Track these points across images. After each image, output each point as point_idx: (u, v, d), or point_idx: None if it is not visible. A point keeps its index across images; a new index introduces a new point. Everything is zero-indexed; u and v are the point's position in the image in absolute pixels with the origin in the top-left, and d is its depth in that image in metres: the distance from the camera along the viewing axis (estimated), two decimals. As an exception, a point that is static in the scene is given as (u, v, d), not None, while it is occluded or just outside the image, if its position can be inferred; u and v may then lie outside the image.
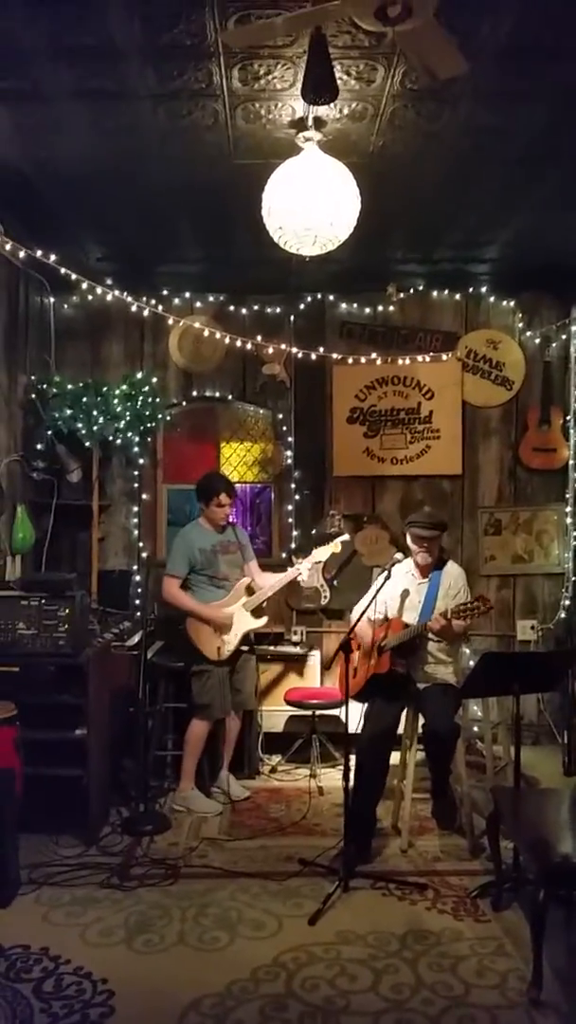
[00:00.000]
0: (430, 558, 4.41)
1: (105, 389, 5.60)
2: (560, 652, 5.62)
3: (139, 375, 5.82)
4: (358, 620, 4.29)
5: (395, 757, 4.33)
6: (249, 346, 5.64)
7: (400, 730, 4.34)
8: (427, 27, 2.63)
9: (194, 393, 6.15)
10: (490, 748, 5.05)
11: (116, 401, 5.57)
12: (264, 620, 5.05)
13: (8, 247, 4.44)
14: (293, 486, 6.09)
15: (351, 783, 3.89)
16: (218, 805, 4.74)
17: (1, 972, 3.04)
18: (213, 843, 4.28)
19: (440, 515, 4.63)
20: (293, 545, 5.98)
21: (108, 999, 2.89)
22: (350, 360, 5.86)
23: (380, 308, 6.11)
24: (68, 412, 5.49)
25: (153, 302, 5.44)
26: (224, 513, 4.92)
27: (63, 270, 4.52)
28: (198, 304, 6.07)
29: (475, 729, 5.40)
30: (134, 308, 5.20)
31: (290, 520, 6.09)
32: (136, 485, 6.06)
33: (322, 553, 5.07)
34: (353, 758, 3.98)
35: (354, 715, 4.07)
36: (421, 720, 4.30)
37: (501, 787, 4.40)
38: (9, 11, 2.92)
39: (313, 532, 5.99)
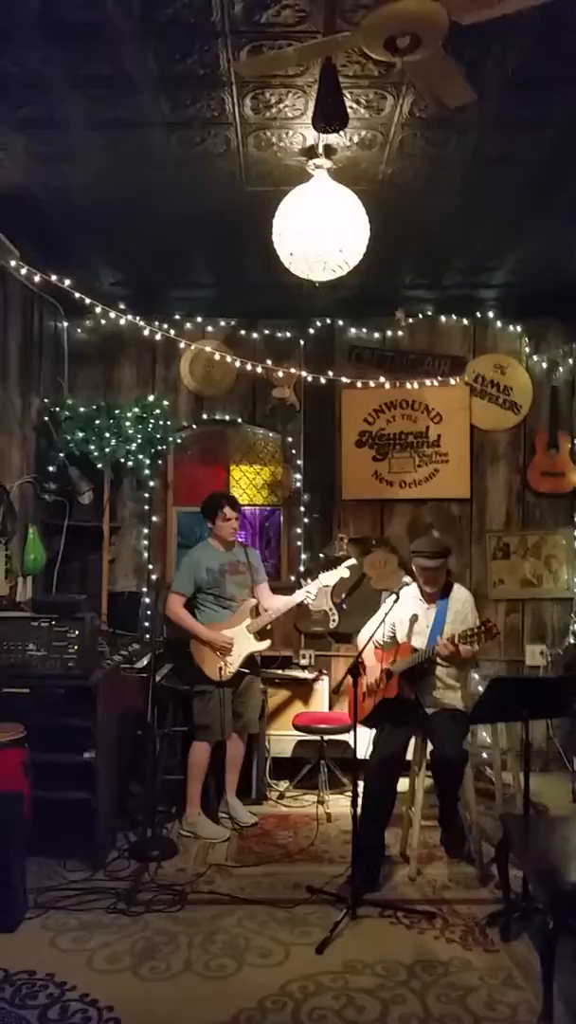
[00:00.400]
0: (436, 587, 4.39)
1: (117, 412, 5.64)
2: (569, 677, 5.57)
3: (151, 398, 5.86)
4: (367, 644, 4.27)
5: (403, 783, 4.30)
6: (259, 370, 5.68)
7: (408, 756, 4.32)
8: (435, 57, 2.66)
9: (205, 416, 6.18)
10: (499, 775, 5.01)
11: (128, 424, 5.61)
12: (267, 643, 5.04)
13: (23, 272, 4.51)
14: (302, 509, 6.10)
15: (359, 810, 3.87)
16: (225, 831, 4.70)
17: (6, 998, 3.02)
18: (220, 869, 4.25)
19: (444, 541, 4.61)
20: (302, 568, 5.98)
21: (114, 1027, 2.86)
22: (359, 384, 5.89)
23: (389, 333, 6.15)
24: (80, 435, 5.53)
25: (165, 326, 5.50)
26: (232, 527, 4.93)
27: (77, 294, 4.58)
28: (209, 328, 6.12)
29: (484, 756, 5.36)
30: (146, 332, 5.26)
31: (299, 543, 6.09)
32: (147, 507, 6.08)
33: (329, 578, 5.06)
34: (361, 784, 3.95)
35: (363, 740, 4.05)
36: (430, 746, 4.27)
37: (510, 814, 4.36)
38: (26, 41, 2.98)
39: (321, 555, 5.99)
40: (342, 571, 5.09)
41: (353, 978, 3.20)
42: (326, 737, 5.26)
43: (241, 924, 3.63)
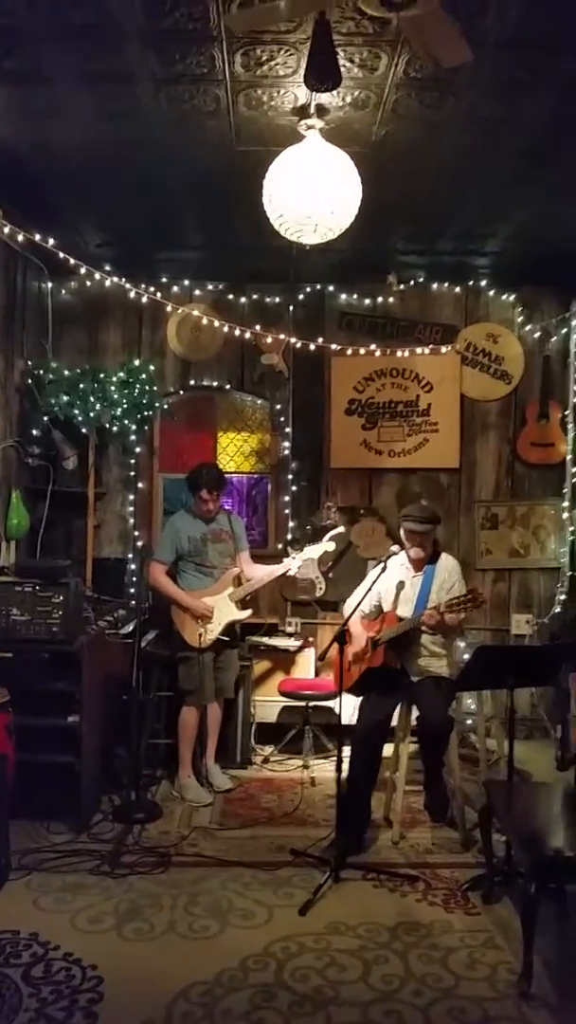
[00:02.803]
0: (423, 553, 4.39)
1: (102, 376, 5.58)
2: (554, 646, 5.60)
3: (137, 362, 5.80)
4: (353, 612, 4.28)
5: (388, 749, 4.33)
6: (248, 335, 5.62)
7: (394, 723, 4.34)
8: (432, 14, 2.61)
9: (192, 382, 6.13)
10: (483, 741, 5.05)
11: (113, 388, 5.56)
12: (248, 612, 5.03)
13: (6, 230, 4.42)
14: (290, 477, 6.08)
15: (344, 774, 3.89)
16: (208, 796, 4.73)
17: (-10, 957, 3.04)
18: (205, 832, 4.27)
19: (433, 508, 4.61)
20: (289, 536, 5.97)
21: (97, 985, 2.89)
22: (349, 351, 5.84)
23: (380, 299, 6.09)
24: (65, 398, 5.47)
25: (152, 289, 5.43)
26: (206, 508, 4.89)
27: (61, 255, 4.50)
28: (197, 292, 6.04)
29: (468, 722, 5.40)
30: (132, 295, 5.19)
31: (286, 511, 6.08)
32: (132, 473, 6.04)
33: (314, 551, 5.06)
34: (347, 749, 3.97)
35: (348, 707, 4.07)
36: (415, 713, 4.29)
37: (494, 780, 4.40)
38: (10, -10, 2.90)
39: (308, 527, 5.98)
40: (327, 544, 5.09)
41: (336, 939, 3.23)
42: (311, 703, 5.28)
43: (225, 886, 3.66)
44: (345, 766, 3.95)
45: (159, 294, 5.44)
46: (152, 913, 3.40)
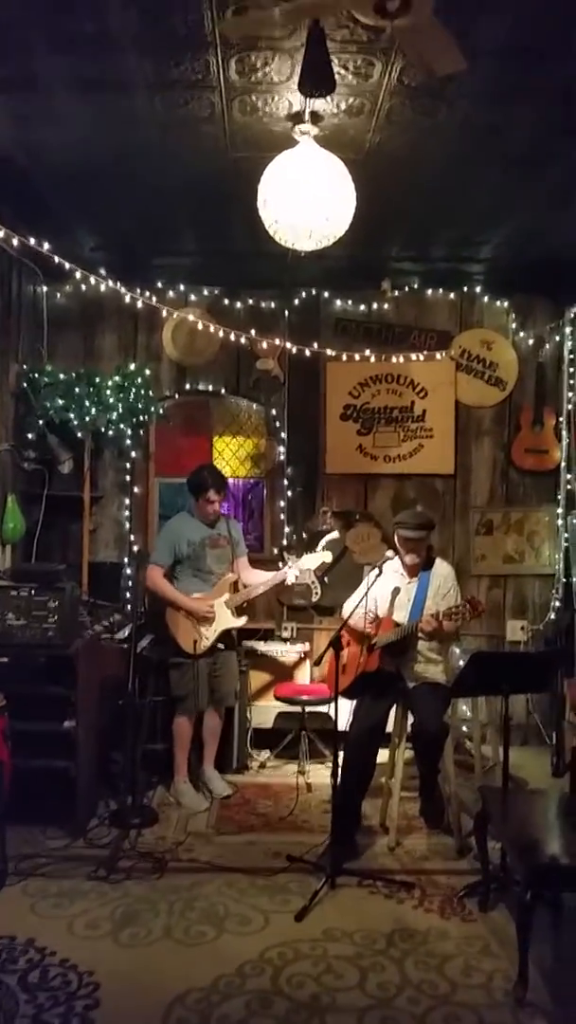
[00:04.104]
0: (418, 559, 4.40)
1: (98, 380, 5.58)
2: (549, 653, 5.62)
3: (132, 367, 5.80)
4: (348, 617, 4.28)
5: (383, 755, 4.34)
6: (243, 340, 5.62)
7: (389, 728, 4.34)
8: (426, 23, 2.61)
9: (187, 386, 6.13)
10: (479, 748, 5.06)
11: (108, 392, 5.55)
12: (244, 619, 5.00)
13: (1, 235, 4.42)
14: (286, 482, 6.07)
15: (339, 780, 3.89)
16: (204, 802, 4.73)
17: (-15, 964, 3.03)
18: (201, 837, 4.27)
19: (427, 514, 4.61)
20: (285, 542, 5.96)
21: (94, 991, 2.88)
22: (344, 357, 5.85)
23: (375, 305, 6.10)
24: (60, 402, 5.47)
25: (147, 294, 5.43)
26: (213, 509, 4.89)
27: (56, 259, 4.50)
28: (192, 297, 6.05)
29: (464, 729, 5.41)
30: (128, 299, 5.19)
31: (282, 516, 6.07)
32: (128, 477, 6.03)
33: (311, 561, 5.06)
34: (341, 755, 3.98)
35: (344, 712, 4.07)
36: (410, 719, 4.30)
37: (489, 787, 4.40)
38: (7, -2, 2.90)
39: (304, 532, 5.97)
40: (324, 555, 5.13)
41: (332, 946, 3.23)
42: (307, 708, 5.28)
43: (221, 892, 3.66)
44: (340, 771, 3.94)
45: (154, 299, 5.44)
46: (148, 919, 3.40)
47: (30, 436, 5.58)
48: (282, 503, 6.08)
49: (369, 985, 2.97)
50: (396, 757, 4.34)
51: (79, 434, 5.59)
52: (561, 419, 6.00)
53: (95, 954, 3.12)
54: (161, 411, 5.95)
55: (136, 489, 6.04)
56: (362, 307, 6.11)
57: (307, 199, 3.54)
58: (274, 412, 6.12)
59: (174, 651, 4.80)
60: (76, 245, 5.38)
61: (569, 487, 5.91)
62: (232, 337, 5.53)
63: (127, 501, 6.04)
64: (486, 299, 6.13)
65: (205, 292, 6.06)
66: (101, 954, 3.13)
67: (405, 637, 4.25)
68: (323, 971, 3.05)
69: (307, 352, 5.67)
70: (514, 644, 5.97)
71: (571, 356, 5.94)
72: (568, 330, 5.93)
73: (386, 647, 4.27)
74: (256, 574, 5.02)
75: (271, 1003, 2.85)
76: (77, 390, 5.49)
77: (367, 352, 5.89)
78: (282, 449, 6.09)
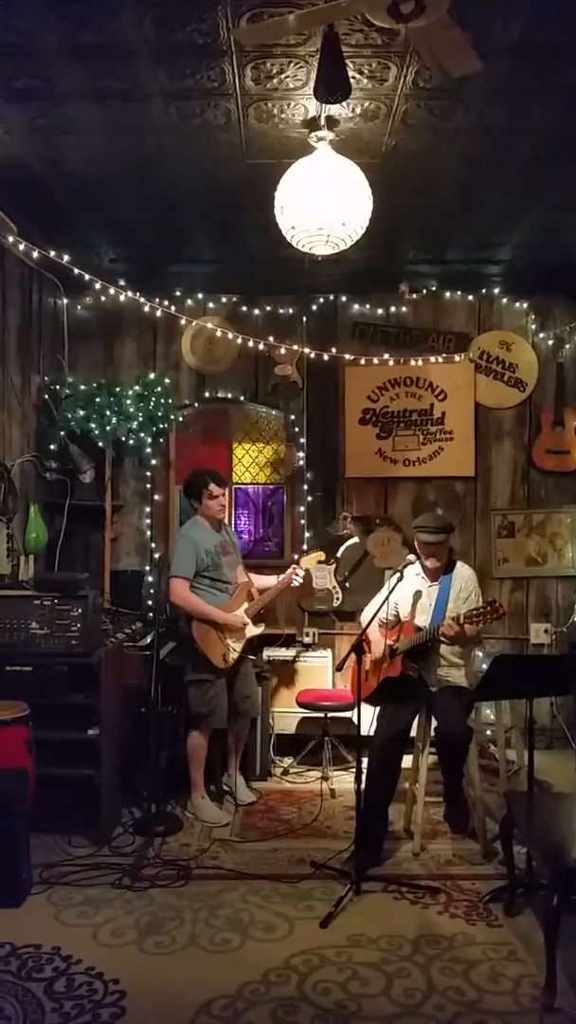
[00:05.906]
0: (438, 562, 4.38)
1: (118, 390, 5.63)
2: (573, 655, 5.58)
3: (152, 376, 5.83)
4: (370, 622, 4.27)
5: (407, 760, 4.31)
6: (262, 347, 5.64)
7: (413, 733, 4.32)
8: (440, 24, 2.61)
9: (207, 394, 6.15)
10: (503, 752, 5.02)
11: (129, 402, 5.59)
12: (262, 627, 4.91)
13: (22, 248, 4.46)
14: (305, 487, 6.07)
15: (363, 786, 3.87)
16: (226, 816, 4.62)
17: (12, 971, 3.04)
18: (225, 845, 4.26)
19: (446, 517, 4.57)
20: (305, 547, 5.96)
21: (119, 1000, 2.88)
22: (362, 361, 5.84)
23: (393, 309, 6.09)
24: (81, 413, 5.51)
25: (166, 303, 5.45)
26: (220, 504, 4.76)
27: (76, 271, 4.54)
28: (211, 305, 6.07)
29: (488, 733, 5.36)
30: (147, 309, 5.22)
31: (302, 522, 6.07)
32: (149, 486, 6.06)
33: (308, 561, 5.05)
34: (365, 760, 3.96)
35: (366, 717, 4.05)
36: (434, 723, 4.27)
37: (514, 791, 4.37)
38: (23, 10, 2.93)
39: (325, 537, 5.97)
40: (318, 554, 5.13)
41: (357, 952, 3.21)
42: (330, 714, 5.26)
43: (245, 899, 3.65)
44: (364, 777, 3.92)
45: (173, 307, 5.46)
46: (173, 926, 3.39)
47: (52, 447, 5.63)
48: (302, 508, 6.07)
49: (395, 992, 2.95)
50: (420, 762, 4.31)
51: (100, 444, 5.62)
52: (582, 420, 5.95)
53: (120, 962, 3.12)
54: (181, 419, 5.97)
55: (157, 497, 6.07)
56: (380, 311, 6.11)
57: (324, 204, 3.55)
58: (293, 418, 6.13)
59: (199, 667, 4.61)
60: (95, 256, 5.44)
61: (591, 488, 5.87)
62: (250, 344, 5.54)
63: (148, 509, 6.06)
64: (504, 300, 6.11)
65: (223, 300, 6.08)
66: (126, 962, 3.13)
67: (427, 641, 4.23)
68: (349, 978, 3.03)
69: (325, 357, 5.67)
70: (537, 647, 5.93)
71: (591, 356, 5.91)
72: (587, 330, 5.90)
73: (409, 651, 4.25)
74: (261, 579, 4.99)
75: (297, 1010, 2.84)
76: (98, 400, 5.54)
77: (385, 356, 5.88)
78: (301, 454, 6.09)
